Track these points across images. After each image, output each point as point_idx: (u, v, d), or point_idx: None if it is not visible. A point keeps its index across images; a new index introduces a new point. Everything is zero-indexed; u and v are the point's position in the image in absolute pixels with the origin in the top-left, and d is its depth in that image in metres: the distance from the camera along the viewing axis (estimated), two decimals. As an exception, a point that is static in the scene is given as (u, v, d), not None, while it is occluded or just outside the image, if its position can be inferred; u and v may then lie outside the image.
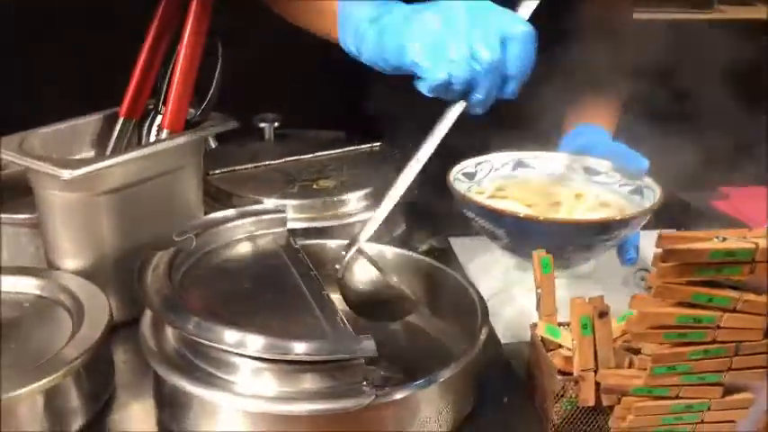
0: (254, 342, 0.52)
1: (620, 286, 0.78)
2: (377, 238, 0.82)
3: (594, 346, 0.55)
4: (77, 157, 0.73)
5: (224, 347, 0.54)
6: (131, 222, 0.68)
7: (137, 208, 0.68)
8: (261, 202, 0.80)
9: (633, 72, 0.90)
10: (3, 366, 0.56)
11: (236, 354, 0.54)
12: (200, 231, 0.66)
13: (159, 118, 0.74)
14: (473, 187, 0.83)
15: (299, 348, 0.52)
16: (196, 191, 0.75)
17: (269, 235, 0.69)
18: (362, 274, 0.65)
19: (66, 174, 0.61)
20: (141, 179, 0.68)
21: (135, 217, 0.68)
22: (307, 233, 0.77)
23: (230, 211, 0.69)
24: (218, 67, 0.73)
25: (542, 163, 0.85)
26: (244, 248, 0.68)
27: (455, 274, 0.68)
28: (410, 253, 0.71)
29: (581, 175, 0.84)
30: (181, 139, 0.70)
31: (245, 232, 0.69)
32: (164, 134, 0.71)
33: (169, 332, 0.59)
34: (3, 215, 0.78)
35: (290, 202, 0.80)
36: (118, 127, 0.73)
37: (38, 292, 0.64)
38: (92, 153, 0.75)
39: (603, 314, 0.54)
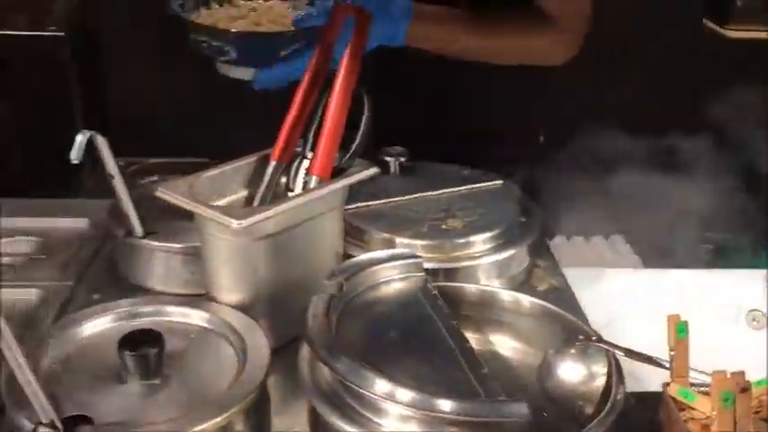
0: (407, 395, 0.57)
1: (732, 325, 0.80)
2: (497, 277, 0.87)
3: (734, 418, 0.57)
4: (233, 197, 0.79)
5: (378, 396, 0.59)
6: (282, 263, 0.74)
7: (287, 250, 0.74)
8: (393, 242, 0.85)
9: None
10: (173, 396, 0.63)
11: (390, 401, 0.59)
12: (348, 276, 0.71)
13: (305, 162, 0.79)
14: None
15: (452, 406, 0.56)
16: (339, 232, 0.80)
17: (407, 279, 0.74)
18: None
19: (236, 224, 0.67)
20: (294, 224, 0.74)
21: (285, 258, 0.74)
22: (435, 274, 0.81)
23: (372, 255, 0.74)
24: (365, 116, 0.78)
25: None
26: (385, 292, 0.72)
27: (582, 324, 0.71)
28: (542, 302, 0.74)
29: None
30: (333, 187, 0.75)
31: (386, 276, 0.73)
32: (312, 180, 0.76)
33: (325, 371, 0.64)
34: (156, 242, 0.86)
35: (421, 243, 0.85)
36: (270, 170, 0.79)
37: (203, 324, 0.71)
38: (244, 193, 0.81)
39: (745, 390, 0.56)
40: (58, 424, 0.57)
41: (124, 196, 0.83)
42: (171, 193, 0.72)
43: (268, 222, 0.70)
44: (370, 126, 0.79)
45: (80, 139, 0.76)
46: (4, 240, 0.95)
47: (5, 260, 0.91)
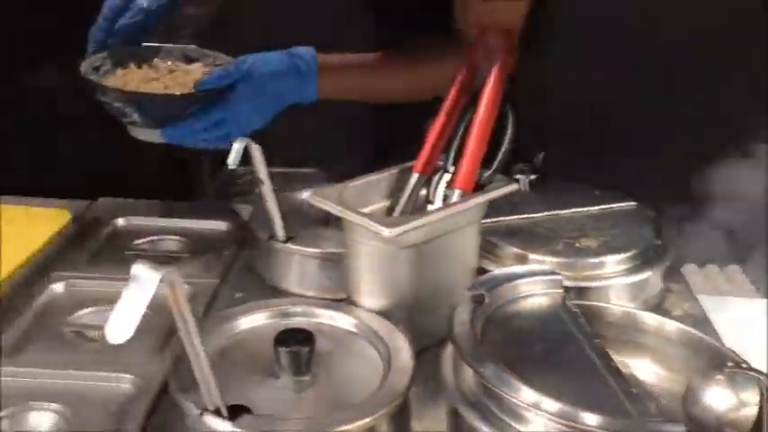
0: (554, 405, 0.58)
1: None
2: (629, 299, 0.86)
3: None
4: (375, 206, 0.82)
5: (524, 404, 0.60)
6: (422, 273, 0.76)
7: (427, 260, 0.76)
8: (526, 258, 0.86)
9: None
10: (321, 394, 0.66)
11: (534, 411, 0.60)
12: (489, 288, 0.72)
13: (446, 176, 0.81)
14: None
15: (604, 422, 0.57)
16: (475, 246, 0.82)
17: (546, 295, 0.74)
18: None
19: (387, 232, 0.70)
20: (435, 236, 0.76)
21: (425, 268, 0.77)
22: (566, 292, 0.81)
23: (512, 270, 0.75)
24: (509, 131, 0.80)
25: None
26: (525, 307, 0.73)
27: (728, 351, 0.70)
28: (687, 328, 0.73)
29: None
30: (476, 201, 0.77)
31: (525, 291, 0.74)
32: (455, 194, 0.78)
33: (467, 376, 0.66)
34: (296, 247, 0.90)
35: (555, 260, 0.85)
36: (412, 182, 0.81)
37: (349, 327, 0.74)
38: (386, 203, 0.84)
39: None
40: (224, 411, 0.60)
41: (271, 202, 0.87)
42: (323, 200, 0.75)
43: (414, 232, 0.73)
44: (512, 143, 0.80)
45: (237, 145, 0.81)
46: (153, 239, 1.02)
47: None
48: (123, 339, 0.49)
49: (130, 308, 0.49)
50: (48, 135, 1.26)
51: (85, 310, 0.86)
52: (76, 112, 1.24)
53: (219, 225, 1.05)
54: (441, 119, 0.81)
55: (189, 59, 1.00)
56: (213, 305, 0.87)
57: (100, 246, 1.00)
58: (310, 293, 0.88)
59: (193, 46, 1.02)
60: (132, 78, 0.94)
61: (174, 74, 0.97)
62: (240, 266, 0.97)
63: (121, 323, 0.49)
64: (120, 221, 1.05)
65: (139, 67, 0.96)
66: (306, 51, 0.98)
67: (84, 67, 0.92)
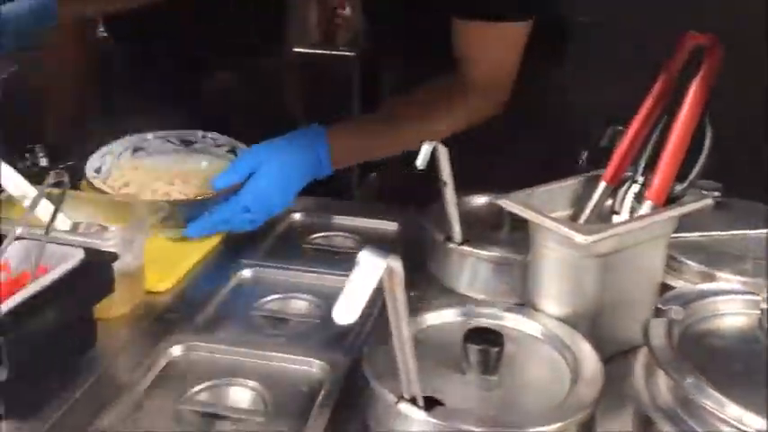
0: (760, 423, 0.56)
1: None
2: None
3: None
4: (558, 213, 0.82)
5: (727, 418, 0.58)
6: (607, 283, 0.76)
7: (614, 271, 0.76)
8: (713, 276, 0.83)
9: None
10: (508, 396, 0.67)
11: (734, 425, 0.58)
12: (684, 304, 0.71)
13: (634, 187, 0.80)
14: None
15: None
16: (662, 260, 0.80)
17: (743, 315, 0.72)
18: None
19: (582, 239, 0.70)
20: (624, 247, 0.75)
21: (611, 279, 0.76)
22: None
23: (708, 287, 0.73)
24: (707, 144, 0.78)
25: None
26: (721, 325, 0.71)
27: None
28: None
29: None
30: (670, 214, 0.75)
31: (720, 309, 0.72)
32: (646, 206, 0.77)
33: (661, 387, 0.65)
34: (472, 249, 0.91)
35: (743, 279, 0.82)
36: (599, 191, 0.81)
37: (533, 333, 0.74)
38: (568, 211, 0.83)
39: None
40: (420, 401, 0.62)
41: (452, 204, 0.89)
42: (512, 203, 0.76)
43: (605, 241, 0.72)
44: (708, 157, 0.78)
45: (426, 148, 0.83)
46: (327, 234, 1.07)
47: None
48: (350, 321, 0.52)
49: (356, 292, 0.52)
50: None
51: (271, 297, 0.91)
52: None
53: (389, 225, 1.09)
54: (633, 128, 0.80)
55: (186, 143, 1.09)
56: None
57: (279, 237, 1.06)
58: (481, 296, 0.89)
59: (192, 131, 1.10)
60: (135, 181, 1.01)
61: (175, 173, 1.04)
62: (410, 265, 0.98)
63: (348, 306, 0.52)
64: (297, 216, 1.11)
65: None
66: (314, 129, 1.03)
67: (87, 173, 0.98)
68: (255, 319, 0.87)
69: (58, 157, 1.14)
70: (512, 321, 0.75)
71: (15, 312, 0.68)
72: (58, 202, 0.81)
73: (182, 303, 0.89)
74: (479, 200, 1.01)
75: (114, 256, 0.79)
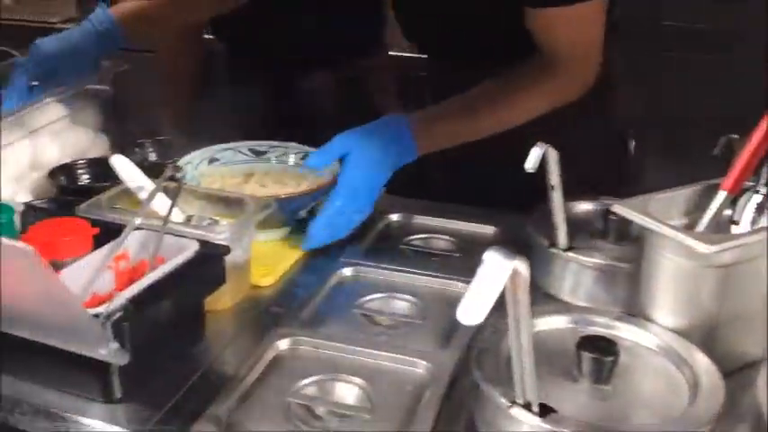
0: None
1: None
2: None
3: None
4: (674, 222, 0.79)
5: None
6: (725, 295, 0.73)
7: (731, 284, 0.73)
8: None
9: None
10: (622, 407, 0.65)
11: None
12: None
13: (756, 197, 0.77)
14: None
15: None
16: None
17: None
18: None
19: (705, 248, 0.67)
20: (745, 259, 0.72)
21: (728, 291, 0.73)
22: None
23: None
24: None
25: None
26: None
27: None
28: None
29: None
30: (798, 227, 0.72)
31: None
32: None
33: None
34: (577, 256, 0.89)
35: None
36: (719, 200, 0.78)
37: (647, 344, 0.72)
38: (684, 220, 0.81)
39: None
40: (535, 407, 0.61)
41: (559, 209, 0.88)
42: (630, 210, 0.74)
43: (728, 252, 0.70)
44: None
45: (537, 151, 0.82)
46: (425, 236, 1.07)
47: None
48: (476, 321, 0.51)
49: (483, 292, 0.51)
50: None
51: (371, 296, 0.91)
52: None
53: (487, 228, 1.08)
54: (757, 137, 0.77)
55: (257, 153, 1.11)
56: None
57: (377, 238, 1.06)
58: (583, 303, 0.88)
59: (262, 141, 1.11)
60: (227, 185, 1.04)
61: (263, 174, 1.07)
62: (511, 270, 0.98)
63: (474, 306, 0.51)
64: (394, 217, 1.11)
65: None
66: (396, 117, 1.02)
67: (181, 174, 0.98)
68: (357, 317, 0.87)
69: (166, 152, 1.18)
70: (625, 331, 0.73)
71: (137, 300, 0.70)
72: (174, 196, 0.84)
73: (285, 298, 0.90)
74: (582, 205, 0.99)
75: (227, 249, 0.81)
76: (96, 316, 0.66)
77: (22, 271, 0.59)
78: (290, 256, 0.98)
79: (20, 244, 0.57)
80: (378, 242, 1.05)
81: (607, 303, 0.86)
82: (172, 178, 0.86)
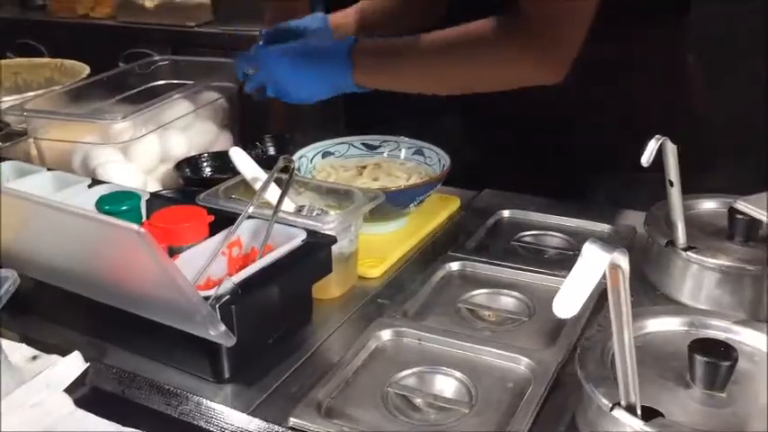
0: None
1: None
2: None
3: None
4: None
5: None
6: None
7: None
8: None
9: None
10: (737, 417, 0.60)
11: None
12: None
13: None
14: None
15: None
16: None
17: None
18: None
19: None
20: None
21: None
22: None
23: None
24: None
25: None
26: None
27: None
28: None
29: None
30: None
31: None
32: None
33: None
34: (698, 256, 0.84)
35: None
36: None
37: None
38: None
39: None
40: (638, 410, 0.58)
41: (677, 206, 0.83)
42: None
43: None
44: None
45: (653, 144, 0.78)
46: (537, 233, 1.04)
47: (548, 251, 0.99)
48: (570, 314, 0.50)
49: (578, 285, 0.50)
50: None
51: (478, 291, 0.90)
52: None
53: (603, 227, 1.04)
54: None
55: (370, 147, 1.13)
56: (602, 306, 0.86)
57: (487, 234, 1.05)
58: (703, 306, 0.82)
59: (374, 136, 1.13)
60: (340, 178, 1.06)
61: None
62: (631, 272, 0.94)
63: (569, 299, 0.50)
64: (506, 213, 1.09)
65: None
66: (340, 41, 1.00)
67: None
68: (462, 312, 0.87)
69: (284, 147, 1.22)
70: (745, 336, 0.68)
71: (245, 285, 0.73)
72: (285, 186, 0.86)
73: (391, 290, 0.91)
74: (703, 203, 0.94)
75: (333, 239, 0.82)
76: (206, 298, 0.69)
77: (137, 252, 0.62)
78: (398, 250, 0.99)
79: (133, 226, 0.61)
80: (488, 238, 1.04)
81: (731, 308, 0.81)
82: (285, 170, 0.88)
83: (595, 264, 0.50)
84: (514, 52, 0.94)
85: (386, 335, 0.81)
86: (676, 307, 0.72)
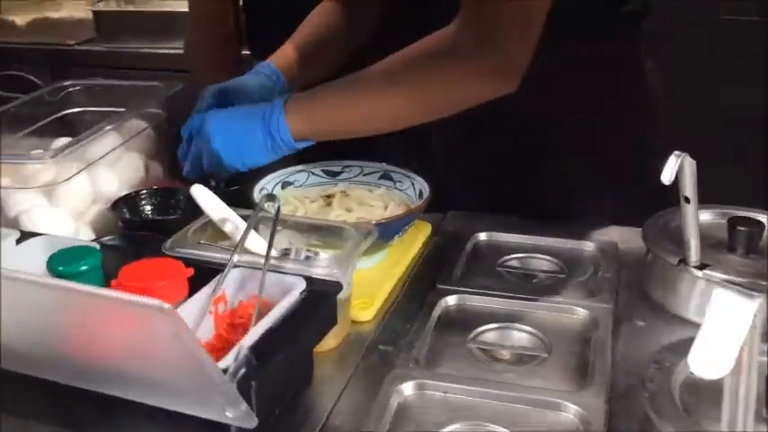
0: None
1: None
2: None
3: None
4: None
5: None
6: None
7: None
8: None
9: None
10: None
11: None
12: None
13: None
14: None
15: None
16: None
17: None
18: None
19: None
20: None
21: None
22: None
23: None
24: None
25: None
26: None
27: None
28: None
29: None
30: None
31: None
32: None
33: None
34: (711, 273, 0.81)
35: None
36: None
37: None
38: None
39: None
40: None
41: (692, 223, 0.80)
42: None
43: None
44: None
45: (674, 161, 0.74)
46: (521, 256, 0.98)
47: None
48: (718, 375, 0.43)
49: (722, 341, 0.43)
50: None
51: (483, 328, 0.83)
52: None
53: (586, 244, 1.00)
54: None
55: (331, 174, 1.04)
56: (618, 333, 0.81)
57: (468, 260, 0.98)
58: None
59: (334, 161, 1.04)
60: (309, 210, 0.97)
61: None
62: (628, 290, 0.90)
63: (715, 358, 0.43)
64: (482, 236, 1.03)
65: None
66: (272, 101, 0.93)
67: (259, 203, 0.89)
68: (475, 352, 0.79)
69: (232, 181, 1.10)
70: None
71: (256, 352, 0.62)
72: (273, 228, 0.75)
73: (391, 334, 0.82)
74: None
75: (338, 286, 0.72)
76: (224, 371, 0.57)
77: (157, 332, 0.50)
78: (384, 286, 0.90)
79: (155, 302, 0.49)
80: (471, 263, 0.97)
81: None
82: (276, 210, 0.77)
83: (737, 314, 0.44)
84: (462, 64, 0.86)
85: (406, 389, 0.72)
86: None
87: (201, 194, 0.83)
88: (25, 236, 0.80)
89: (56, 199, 0.94)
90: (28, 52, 2.20)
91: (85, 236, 0.94)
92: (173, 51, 2.07)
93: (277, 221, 0.76)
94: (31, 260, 0.75)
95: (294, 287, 0.71)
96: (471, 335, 0.82)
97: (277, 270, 0.73)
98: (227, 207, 0.83)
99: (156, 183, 1.10)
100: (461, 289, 0.89)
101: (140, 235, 0.91)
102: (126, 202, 0.98)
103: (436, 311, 0.86)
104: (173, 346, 0.51)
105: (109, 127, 0.98)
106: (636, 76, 1.10)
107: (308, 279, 0.72)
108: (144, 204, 1.00)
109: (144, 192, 1.01)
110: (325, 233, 0.83)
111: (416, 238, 1.00)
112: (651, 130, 1.10)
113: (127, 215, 0.96)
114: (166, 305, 0.48)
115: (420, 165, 1.07)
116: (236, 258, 0.72)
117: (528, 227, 1.03)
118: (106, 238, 0.90)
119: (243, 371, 0.59)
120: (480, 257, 0.99)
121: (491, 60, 0.85)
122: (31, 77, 2.22)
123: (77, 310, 0.53)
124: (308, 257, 0.77)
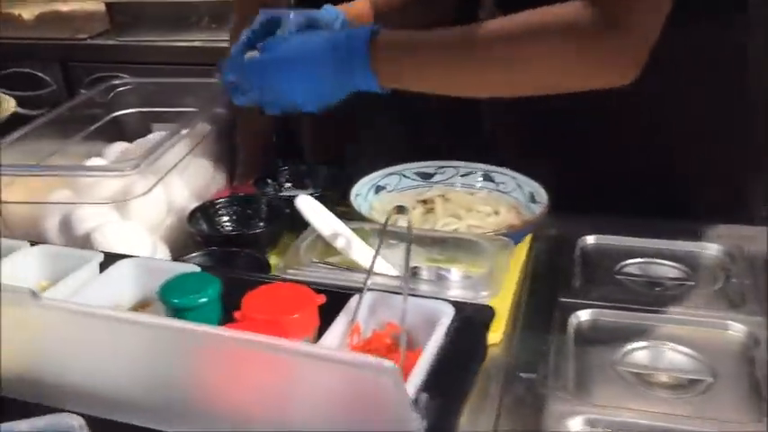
0: None
1: None
2: None
3: None
4: None
5: None
6: None
7: None
8: None
9: None
10: None
11: None
12: None
13: None
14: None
15: None
16: None
17: None
18: None
19: None
20: None
21: None
22: None
23: None
24: None
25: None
26: None
27: None
28: None
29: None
30: None
31: None
32: None
33: None
34: None
35: None
36: None
37: None
38: None
39: None
40: None
41: None
42: None
43: None
44: None
45: None
46: (639, 261, 0.90)
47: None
48: None
49: None
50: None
51: (628, 347, 0.74)
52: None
53: (710, 247, 0.91)
54: None
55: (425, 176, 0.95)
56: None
57: (584, 268, 0.89)
58: None
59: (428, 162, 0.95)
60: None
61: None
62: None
63: None
64: (589, 240, 0.94)
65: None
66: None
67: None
68: (626, 377, 0.70)
69: (301, 179, 1.00)
70: None
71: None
72: (408, 242, 0.66)
73: (526, 358, 0.73)
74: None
75: (491, 312, 0.63)
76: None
77: (378, 394, 0.41)
78: (503, 301, 0.80)
79: (385, 362, 0.39)
80: (587, 272, 0.88)
81: None
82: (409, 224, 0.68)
83: None
84: (597, 44, 0.75)
85: (573, 426, 0.63)
86: None
87: (308, 206, 0.73)
88: (109, 257, 0.70)
89: (127, 213, 0.84)
90: (36, 48, 2.08)
91: (162, 253, 0.83)
92: (194, 44, 1.97)
93: (412, 238, 0.66)
94: (124, 288, 0.65)
95: (441, 314, 0.61)
96: (616, 356, 0.73)
97: (416, 294, 0.64)
98: (336, 219, 0.74)
99: (224, 190, 1.00)
100: (590, 302, 0.80)
101: (227, 251, 0.81)
102: (203, 213, 0.88)
103: (570, 330, 0.77)
104: (392, 408, 0.41)
105: (184, 132, 0.87)
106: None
107: (456, 304, 0.62)
108: (221, 215, 0.90)
109: (219, 201, 0.91)
110: (450, 246, 0.74)
111: (518, 245, 0.91)
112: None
113: (206, 229, 0.87)
114: (391, 364, 0.39)
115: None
116: (369, 283, 0.63)
117: (635, 227, 0.94)
118: (191, 255, 0.80)
119: (426, 420, 0.49)
120: (594, 264, 0.90)
121: (616, 43, 0.75)
122: (41, 74, 2.10)
123: (279, 368, 0.43)
124: (440, 276, 0.68)
